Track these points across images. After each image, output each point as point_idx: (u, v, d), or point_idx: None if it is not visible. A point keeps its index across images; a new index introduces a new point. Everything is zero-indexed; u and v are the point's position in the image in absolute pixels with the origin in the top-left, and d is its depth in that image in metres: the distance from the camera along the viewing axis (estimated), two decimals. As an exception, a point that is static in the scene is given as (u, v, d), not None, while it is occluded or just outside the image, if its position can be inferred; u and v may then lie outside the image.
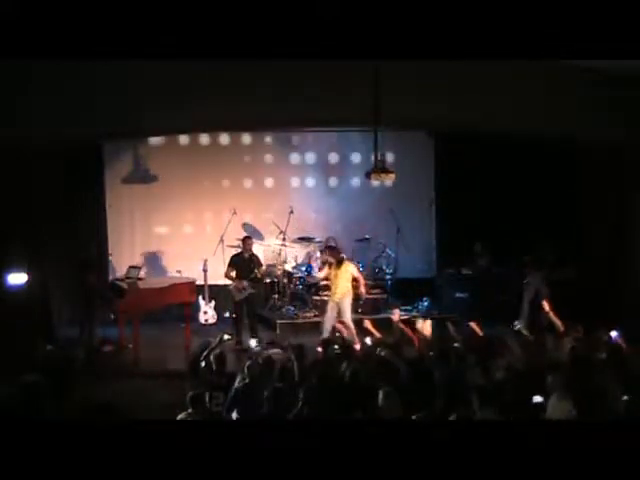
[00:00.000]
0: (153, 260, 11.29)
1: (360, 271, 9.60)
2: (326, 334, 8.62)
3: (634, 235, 9.21)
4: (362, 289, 9.32)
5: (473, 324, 7.46)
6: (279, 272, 10.95)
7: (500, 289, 10.42)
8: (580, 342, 6.79)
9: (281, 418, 5.04)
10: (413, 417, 4.71)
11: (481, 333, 7.36)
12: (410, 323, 7.77)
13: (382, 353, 6.43)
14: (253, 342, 9.08)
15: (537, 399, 5.02)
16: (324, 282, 9.41)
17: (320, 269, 10.10)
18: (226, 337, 7.19)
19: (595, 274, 9.63)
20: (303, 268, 11.02)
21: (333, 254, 9.21)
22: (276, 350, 7.83)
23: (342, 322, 8.99)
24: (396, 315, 7.93)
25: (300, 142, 11.68)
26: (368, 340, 7.54)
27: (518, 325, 9.77)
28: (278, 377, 5.87)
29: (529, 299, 9.83)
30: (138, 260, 10.93)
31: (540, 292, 9.76)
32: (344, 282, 9.05)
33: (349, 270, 9.13)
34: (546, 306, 7.95)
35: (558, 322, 8.04)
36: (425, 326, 7.35)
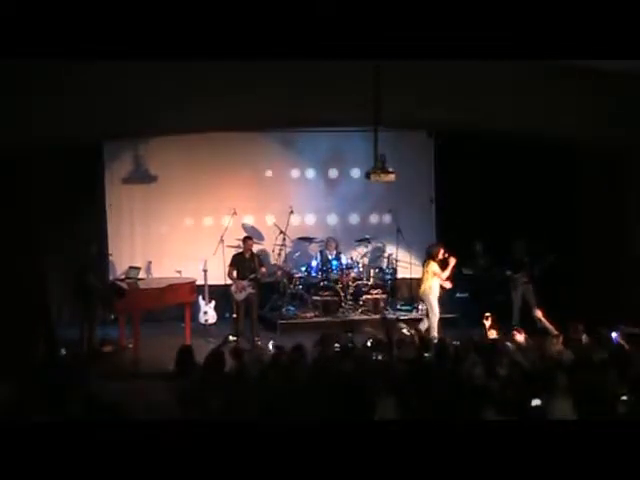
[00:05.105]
0: (153, 260, 11.27)
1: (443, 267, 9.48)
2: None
3: (634, 235, 9.20)
4: (443, 283, 9.47)
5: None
6: (279, 272, 10.95)
7: (500, 289, 10.41)
8: (580, 342, 6.80)
9: (280, 418, 5.04)
10: (414, 418, 4.70)
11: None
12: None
13: (379, 356, 6.43)
14: (270, 343, 9.04)
15: (535, 402, 5.01)
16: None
17: None
18: (231, 338, 7.18)
19: (596, 273, 9.62)
20: (303, 268, 11.02)
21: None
22: (277, 350, 7.80)
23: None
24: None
25: (300, 142, 11.67)
26: (368, 342, 7.53)
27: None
28: (278, 377, 5.87)
29: (518, 302, 9.85)
30: (138, 260, 10.93)
31: (527, 293, 9.77)
32: (425, 279, 9.40)
33: (430, 269, 9.36)
34: (538, 313, 7.94)
35: (551, 327, 8.03)
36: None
